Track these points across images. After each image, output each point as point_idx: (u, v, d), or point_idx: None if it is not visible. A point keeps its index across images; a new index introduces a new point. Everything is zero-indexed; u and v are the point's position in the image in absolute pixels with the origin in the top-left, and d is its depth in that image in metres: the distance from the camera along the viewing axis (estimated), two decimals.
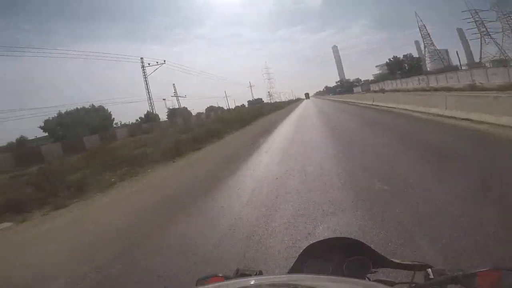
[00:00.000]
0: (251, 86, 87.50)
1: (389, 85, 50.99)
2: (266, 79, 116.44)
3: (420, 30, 56.64)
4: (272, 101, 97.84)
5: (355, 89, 72.97)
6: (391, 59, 60.04)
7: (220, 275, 0.80)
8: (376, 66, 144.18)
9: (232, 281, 0.75)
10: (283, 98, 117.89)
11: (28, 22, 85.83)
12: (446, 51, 58.70)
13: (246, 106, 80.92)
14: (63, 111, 29.99)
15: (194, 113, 49.01)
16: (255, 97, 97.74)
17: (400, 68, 56.83)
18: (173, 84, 46.89)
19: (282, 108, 49.53)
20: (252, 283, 0.70)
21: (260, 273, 0.83)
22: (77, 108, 31.69)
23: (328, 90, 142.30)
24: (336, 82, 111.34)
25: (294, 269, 0.83)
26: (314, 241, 0.85)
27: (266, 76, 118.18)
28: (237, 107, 68.26)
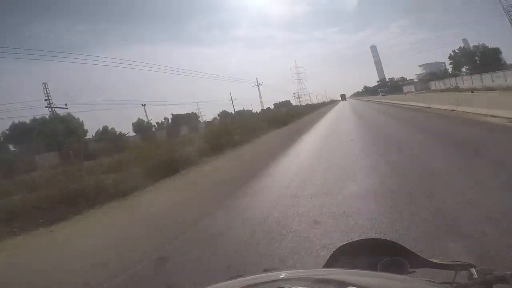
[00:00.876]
0: (258, 85, 76.69)
1: (452, 83, 39.84)
2: (296, 80, 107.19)
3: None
4: (301, 104, 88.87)
5: (406, 88, 61.49)
6: (456, 51, 47.29)
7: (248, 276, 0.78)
8: (420, 66, 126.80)
9: (269, 273, 0.74)
10: (315, 99, 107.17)
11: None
12: None
13: (272, 108, 73.16)
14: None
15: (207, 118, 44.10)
16: (286, 99, 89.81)
17: (469, 62, 43.92)
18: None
19: (305, 114, 40.31)
20: (290, 276, 0.68)
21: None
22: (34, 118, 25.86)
23: (367, 91, 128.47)
24: (378, 82, 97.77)
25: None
26: (346, 242, 0.84)
27: (295, 76, 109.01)
28: (262, 110, 62.19)
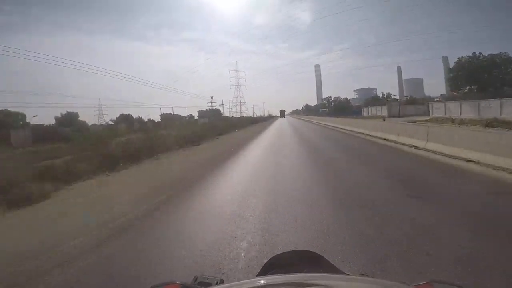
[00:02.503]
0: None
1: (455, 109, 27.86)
2: (234, 85, 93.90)
3: None
4: (231, 115, 75.84)
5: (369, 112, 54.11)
6: (464, 57, 36.60)
7: (178, 282, 0.79)
8: (354, 90, 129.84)
9: (254, 279, 0.79)
10: (251, 112, 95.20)
11: None
12: None
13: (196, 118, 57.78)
14: None
15: None
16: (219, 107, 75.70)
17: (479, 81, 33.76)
18: None
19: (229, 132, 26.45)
20: (265, 282, 0.71)
21: (221, 281, 0.85)
22: None
23: (308, 109, 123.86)
24: (323, 100, 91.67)
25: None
26: (278, 253, 0.91)
27: (234, 81, 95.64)
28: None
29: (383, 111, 43.91)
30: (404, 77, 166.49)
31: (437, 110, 28.89)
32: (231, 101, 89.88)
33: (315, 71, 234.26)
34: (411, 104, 46.37)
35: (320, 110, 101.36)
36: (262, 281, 0.72)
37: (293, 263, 0.85)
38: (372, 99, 76.75)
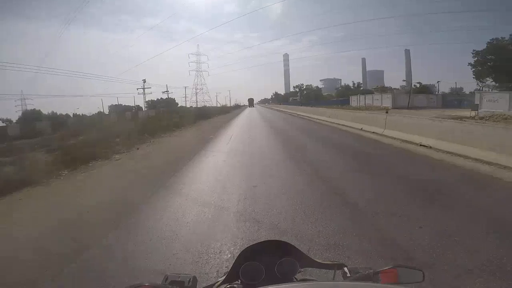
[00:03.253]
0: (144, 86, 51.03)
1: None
2: (195, 71, 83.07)
3: None
4: (190, 105, 66.38)
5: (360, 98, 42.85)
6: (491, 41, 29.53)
7: (147, 284, 0.74)
8: (321, 80, 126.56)
9: None
10: (215, 102, 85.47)
11: None
12: None
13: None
14: None
15: None
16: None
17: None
18: None
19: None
20: None
21: (195, 279, 0.83)
22: None
23: (277, 98, 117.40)
24: (295, 87, 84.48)
25: (231, 275, 0.84)
26: (247, 246, 0.88)
27: (194, 67, 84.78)
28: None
29: (384, 101, 33.60)
30: (377, 68, 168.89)
31: (489, 104, 19.32)
32: (191, 88, 79.43)
33: (284, 60, 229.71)
34: (421, 93, 35.56)
35: (291, 98, 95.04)
36: None
37: (265, 253, 0.85)
38: (343, 89, 72.07)
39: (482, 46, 29.29)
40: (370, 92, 50.83)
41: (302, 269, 0.86)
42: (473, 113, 18.14)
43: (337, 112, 18.38)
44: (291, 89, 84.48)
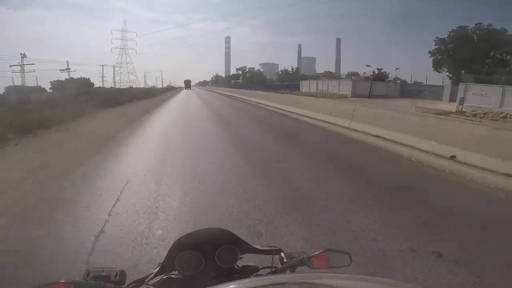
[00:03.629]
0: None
1: None
2: (119, 49, 69.19)
3: None
4: (112, 86, 55.14)
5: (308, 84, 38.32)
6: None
7: (63, 281, 0.63)
8: (260, 64, 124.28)
9: (249, 279, 0.70)
10: (143, 82, 73.72)
11: None
12: None
13: None
14: None
15: None
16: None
17: None
18: None
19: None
20: (273, 281, 0.65)
21: (123, 273, 0.74)
22: None
23: (218, 81, 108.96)
24: (238, 70, 76.82)
25: (165, 265, 0.78)
26: (185, 234, 0.81)
27: (119, 44, 70.75)
28: None
29: (342, 87, 29.02)
30: (309, 54, 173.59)
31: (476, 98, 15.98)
32: (114, 67, 65.76)
33: (225, 43, 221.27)
34: (380, 80, 31.19)
35: (232, 81, 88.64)
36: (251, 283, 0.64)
37: (202, 242, 0.79)
38: (283, 73, 69.17)
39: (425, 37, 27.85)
40: (305, 77, 47.99)
41: (242, 256, 0.83)
42: (459, 108, 15.18)
43: (300, 100, 13.30)
44: (234, 72, 77.46)
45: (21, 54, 40.43)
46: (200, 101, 22.72)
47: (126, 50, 70.75)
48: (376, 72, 32.19)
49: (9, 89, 40.68)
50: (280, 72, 72.94)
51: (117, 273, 0.73)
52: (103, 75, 53.14)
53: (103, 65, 55.04)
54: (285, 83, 48.90)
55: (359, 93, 26.02)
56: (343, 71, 76.84)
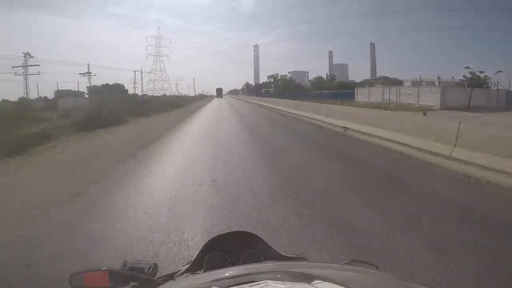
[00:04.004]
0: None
1: None
2: (153, 55, 70.28)
3: None
4: (145, 93, 54.92)
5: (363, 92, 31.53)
6: None
7: (104, 268, 0.67)
8: (289, 72, 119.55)
9: (207, 273, 0.73)
10: (175, 90, 73.84)
11: None
12: None
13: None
14: None
15: None
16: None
17: None
18: None
19: None
20: (256, 270, 0.66)
21: (155, 266, 0.78)
22: None
23: (249, 89, 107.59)
24: (269, 78, 74.52)
25: (195, 264, 0.82)
26: (214, 236, 0.88)
27: (153, 51, 71.77)
28: None
29: (423, 96, 21.91)
30: (340, 61, 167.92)
31: None
32: (148, 74, 66.22)
33: (254, 51, 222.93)
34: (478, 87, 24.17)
35: (263, 90, 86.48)
36: (244, 269, 0.66)
37: (231, 244, 0.85)
38: (317, 80, 65.31)
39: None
40: (347, 85, 42.96)
41: (267, 262, 0.84)
42: None
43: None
44: (266, 79, 75.10)
45: (24, 53, 40.20)
46: (229, 106, 20.74)
47: (160, 57, 71.56)
48: (471, 75, 26.56)
49: (57, 93, 42.52)
50: (313, 80, 69.40)
51: (150, 266, 0.76)
52: (135, 81, 53.18)
53: (135, 71, 55.15)
54: (325, 91, 45.10)
55: (451, 104, 19.65)
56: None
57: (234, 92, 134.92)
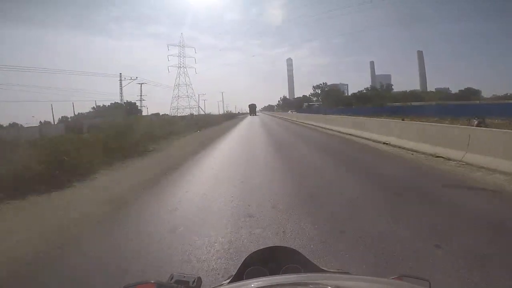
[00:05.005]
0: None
1: None
2: (177, 67, 63.01)
3: None
4: (168, 113, 46.62)
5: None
6: None
7: (152, 281, 0.72)
8: (313, 86, 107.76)
9: (259, 279, 0.72)
10: (199, 108, 65.10)
11: None
12: None
13: None
14: None
15: None
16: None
17: None
18: None
19: None
20: (279, 282, 0.68)
21: (199, 280, 0.82)
22: None
23: (285, 104, 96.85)
24: (315, 88, 62.17)
25: (236, 278, 0.84)
26: (255, 250, 0.91)
27: (175, 62, 64.76)
28: None
29: None
30: (382, 72, 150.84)
31: None
32: (173, 89, 58.72)
33: (287, 65, 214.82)
34: None
35: (305, 104, 75.13)
36: (266, 282, 0.67)
37: (270, 259, 0.86)
38: (371, 91, 52.72)
39: None
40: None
41: None
42: None
43: None
44: (314, 89, 62.78)
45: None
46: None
47: (185, 69, 63.91)
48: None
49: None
50: (364, 91, 56.61)
51: (195, 279, 0.80)
52: (139, 95, 44.63)
53: (140, 84, 46.20)
54: (412, 104, 32.82)
55: None
56: (430, 87, 60.23)
57: (269, 108, 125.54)
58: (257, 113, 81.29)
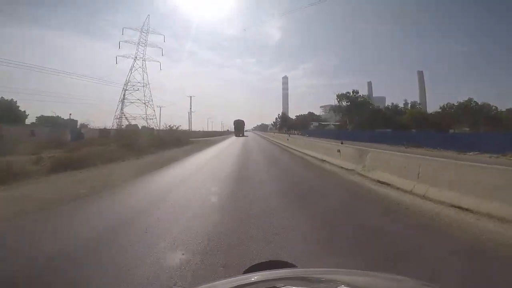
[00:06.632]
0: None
1: None
2: (133, 59, 45.89)
3: None
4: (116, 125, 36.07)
5: None
6: None
7: None
8: (321, 107, 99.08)
9: (261, 273, 0.76)
10: (158, 122, 49.90)
11: None
12: None
13: None
14: None
15: None
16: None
17: None
18: None
19: None
20: (281, 275, 0.69)
21: None
22: None
23: (285, 123, 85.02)
24: (339, 99, 48.86)
25: None
26: (255, 263, 0.94)
27: (132, 51, 47.65)
28: None
29: None
30: (375, 94, 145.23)
31: None
32: (122, 90, 43.44)
33: (283, 83, 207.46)
34: None
35: (313, 124, 63.32)
36: (267, 276, 0.67)
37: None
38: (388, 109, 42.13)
39: None
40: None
41: None
42: None
43: None
44: (339, 99, 49.30)
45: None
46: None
47: (143, 62, 47.53)
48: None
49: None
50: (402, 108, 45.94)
51: None
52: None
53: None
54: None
55: None
56: (430, 108, 57.61)
57: (262, 128, 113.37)
58: (245, 133, 65.67)
